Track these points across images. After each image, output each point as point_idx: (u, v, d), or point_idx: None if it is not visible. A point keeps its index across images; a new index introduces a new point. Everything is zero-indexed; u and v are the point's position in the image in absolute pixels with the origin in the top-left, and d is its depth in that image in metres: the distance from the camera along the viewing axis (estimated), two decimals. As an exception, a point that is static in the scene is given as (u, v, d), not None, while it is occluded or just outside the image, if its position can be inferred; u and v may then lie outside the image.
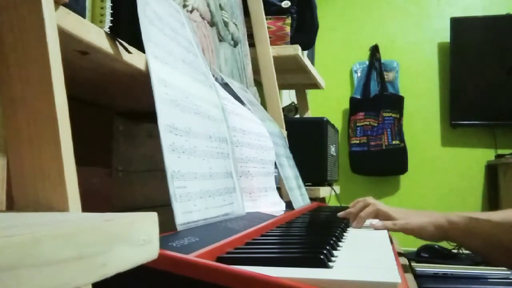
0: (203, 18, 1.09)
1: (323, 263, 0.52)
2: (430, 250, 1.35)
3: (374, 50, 3.30)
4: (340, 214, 1.08)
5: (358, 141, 3.22)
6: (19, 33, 0.39)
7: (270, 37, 1.69)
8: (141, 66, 0.65)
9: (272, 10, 1.75)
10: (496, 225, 0.90)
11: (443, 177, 3.19)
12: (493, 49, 3.06)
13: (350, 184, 3.21)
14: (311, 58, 2.25)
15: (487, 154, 3.14)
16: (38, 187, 0.38)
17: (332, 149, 1.98)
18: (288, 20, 1.76)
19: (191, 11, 1.02)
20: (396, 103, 3.19)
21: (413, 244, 1.42)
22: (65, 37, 0.49)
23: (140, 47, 0.66)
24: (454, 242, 0.99)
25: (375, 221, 1.02)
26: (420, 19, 3.31)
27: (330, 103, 3.29)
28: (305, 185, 1.47)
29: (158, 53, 0.71)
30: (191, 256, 0.48)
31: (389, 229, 0.97)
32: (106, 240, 0.28)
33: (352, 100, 3.29)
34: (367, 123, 3.21)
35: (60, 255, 0.24)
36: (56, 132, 0.38)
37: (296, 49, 1.76)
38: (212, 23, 1.16)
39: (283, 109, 2.24)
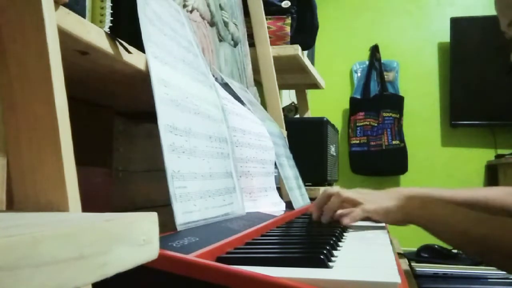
0: (203, 18, 1.09)
1: (323, 263, 0.52)
2: (430, 250, 1.35)
3: (374, 50, 3.30)
4: (313, 216, 1.03)
5: (358, 141, 3.22)
6: (19, 33, 0.39)
7: (270, 37, 1.69)
8: (141, 66, 0.65)
9: (272, 10, 1.75)
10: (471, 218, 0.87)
11: (443, 177, 3.19)
12: (493, 49, 3.06)
13: (350, 184, 3.20)
14: (311, 58, 2.25)
15: (487, 154, 3.14)
16: (38, 187, 0.38)
17: (332, 149, 1.98)
18: (288, 20, 1.76)
19: (191, 11, 1.02)
20: (396, 103, 3.19)
21: (413, 244, 1.42)
22: (65, 37, 0.49)
23: (140, 47, 0.66)
24: (422, 228, 0.96)
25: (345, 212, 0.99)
26: (420, 19, 3.31)
27: (330, 103, 3.29)
28: (305, 185, 1.47)
29: (158, 53, 0.71)
30: (191, 256, 0.48)
31: (357, 220, 0.95)
32: (106, 240, 0.28)
33: (352, 100, 3.29)
34: (367, 123, 3.21)
35: (60, 255, 0.24)
36: (56, 132, 0.38)
37: (296, 49, 1.76)
38: (212, 23, 1.16)
39: (283, 109, 2.24)
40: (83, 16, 0.55)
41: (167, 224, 0.57)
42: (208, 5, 1.14)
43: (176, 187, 0.63)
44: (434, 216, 0.89)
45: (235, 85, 1.18)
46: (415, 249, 1.39)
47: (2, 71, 0.39)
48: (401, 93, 3.24)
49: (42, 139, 0.38)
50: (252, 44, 1.62)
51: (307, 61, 1.98)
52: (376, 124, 3.19)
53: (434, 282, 1.06)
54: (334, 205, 0.99)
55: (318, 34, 1.97)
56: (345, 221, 0.94)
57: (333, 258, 0.57)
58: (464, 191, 1.09)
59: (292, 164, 1.38)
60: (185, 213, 0.63)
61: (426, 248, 1.36)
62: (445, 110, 3.22)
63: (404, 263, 1.12)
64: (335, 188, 1.04)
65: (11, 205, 0.40)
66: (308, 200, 1.42)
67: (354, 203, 0.98)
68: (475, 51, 3.12)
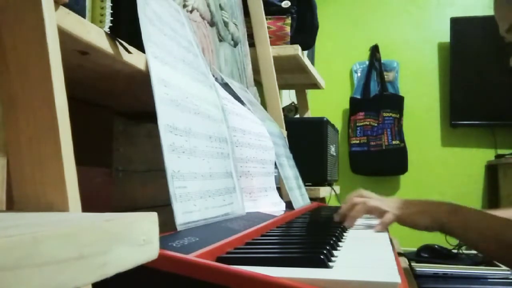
0: (203, 18, 1.09)
1: (323, 263, 0.52)
2: (430, 250, 1.34)
3: (374, 50, 3.30)
4: (336, 218, 1.06)
5: (358, 141, 3.22)
6: (19, 33, 0.39)
7: (270, 37, 1.69)
8: (141, 66, 0.65)
9: (272, 10, 1.75)
10: (495, 219, 0.88)
11: (443, 177, 3.19)
12: (493, 49, 3.06)
13: (350, 184, 3.20)
14: (311, 58, 2.25)
15: (487, 154, 3.14)
16: (38, 187, 0.38)
17: (332, 149, 1.98)
18: (288, 20, 1.76)
19: (191, 11, 1.02)
20: (396, 103, 3.19)
21: (413, 244, 1.42)
22: (65, 37, 0.49)
23: (140, 47, 0.66)
24: (450, 235, 0.96)
25: (372, 221, 1.01)
26: (420, 19, 3.31)
27: (330, 103, 3.29)
28: (305, 185, 1.47)
29: (158, 53, 0.71)
30: (191, 256, 0.48)
31: (388, 225, 0.94)
32: (106, 240, 0.28)
33: (352, 100, 3.29)
34: (367, 123, 3.21)
35: (60, 255, 0.24)
36: (56, 132, 0.38)
37: (296, 49, 1.76)
38: (212, 23, 1.16)
39: (283, 109, 2.24)
40: (83, 16, 0.55)
41: (167, 224, 0.57)
42: (208, 5, 1.14)
43: (176, 187, 0.63)
44: (466, 222, 0.88)
45: (235, 85, 1.18)
46: (415, 249, 1.39)
47: (2, 71, 0.39)
48: (401, 93, 3.24)
49: (42, 139, 0.38)
50: (252, 44, 1.62)
51: (307, 61, 1.98)
52: (376, 124, 3.19)
53: (434, 282, 1.06)
54: (359, 214, 0.99)
55: (318, 34, 1.97)
56: (377, 228, 0.94)
57: (333, 258, 0.57)
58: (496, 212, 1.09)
59: (292, 164, 1.38)
60: (185, 213, 0.63)
61: (426, 248, 1.36)
62: (445, 110, 3.22)
63: (404, 263, 1.12)
64: (361, 192, 1.05)
65: (11, 205, 0.40)
66: (308, 200, 1.42)
67: (380, 212, 0.97)
68: (475, 51, 3.12)
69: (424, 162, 3.22)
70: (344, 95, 3.34)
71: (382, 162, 3.16)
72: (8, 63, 0.39)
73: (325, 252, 0.55)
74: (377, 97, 3.22)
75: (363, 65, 3.34)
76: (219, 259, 0.54)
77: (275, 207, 1.11)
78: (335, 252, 0.62)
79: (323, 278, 0.46)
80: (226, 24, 1.27)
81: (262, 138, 1.12)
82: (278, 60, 1.72)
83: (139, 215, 0.33)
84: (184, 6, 0.98)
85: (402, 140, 3.15)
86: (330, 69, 3.28)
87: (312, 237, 0.79)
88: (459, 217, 0.89)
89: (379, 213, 0.98)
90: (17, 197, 0.39)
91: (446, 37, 3.20)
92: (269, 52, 1.66)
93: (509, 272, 1.08)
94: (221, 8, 1.25)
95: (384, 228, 0.94)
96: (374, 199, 1.02)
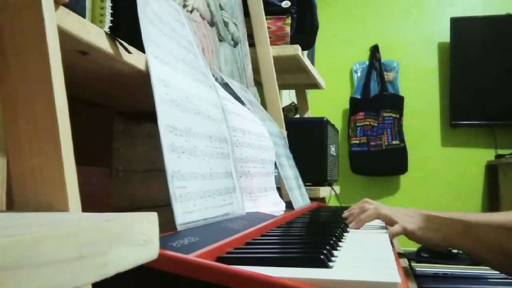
0: (203, 18, 1.09)
1: (323, 263, 0.52)
2: (430, 250, 1.34)
3: (374, 50, 3.30)
4: (344, 214, 1.07)
5: (358, 141, 3.22)
6: (19, 33, 0.39)
7: (270, 37, 1.69)
8: (141, 66, 0.65)
9: (272, 10, 1.75)
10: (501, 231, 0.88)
11: (443, 177, 3.19)
12: (493, 49, 3.06)
13: (350, 184, 3.21)
14: (311, 58, 2.25)
15: (487, 154, 3.14)
16: (38, 187, 0.38)
17: (332, 149, 1.98)
18: (288, 20, 1.76)
19: (191, 11, 1.02)
20: (396, 103, 3.19)
21: (413, 244, 1.42)
22: (65, 37, 0.49)
23: (140, 47, 0.66)
24: (462, 251, 0.95)
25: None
26: (420, 19, 3.31)
27: (330, 103, 3.29)
28: (305, 185, 1.47)
29: (158, 53, 0.71)
30: (191, 256, 0.48)
31: (395, 236, 0.94)
32: (106, 240, 0.28)
33: (352, 100, 3.29)
34: (367, 123, 3.21)
35: (60, 255, 0.24)
36: (56, 132, 0.38)
37: (296, 49, 1.76)
38: (212, 23, 1.16)
39: (283, 109, 2.24)
40: (83, 16, 0.55)
41: (167, 224, 0.57)
42: (208, 5, 1.14)
43: (176, 187, 0.63)
44: (477, 241, 0.88)
45: (235, 85, 1.18)
46: (415, 249, 1.39)
47: (2, 71, 0.39)
48: (401, 93, 3.24)
49: (42, 139, 0.38)
50: (252, 44, 1.62)
51: (307, 61, 1.98)
52: (376, 124, 3.19)
53: (434, 282, 1.06)
54: (369, 219, 1.00)
55: (318, 34, 1.97)
56: None
57: (333, 258, 0.57)
58: (499, 215, 1.09)
59: (292, 164, 1.38)
60: (185, 213, 0.63)
61: (426, 248, 1.36)
62: (445, 110, 3.22)
63: (404, 263, 1.12)
64: (371, 201, 1.06)
65: (11, 205, 0.40)
66: (308, 200, 1.42)
67: (390, 221, 0.97)
68: (475, 51, 3.12)
69: (424, 162, 3.22)
70: (344, 95, 3.34)
71: (382, 162, 3.16)
72: (8, 63, 0.39)
73: (325, 252, 0.55)
74: (377, 97, 3.22)
75: (363, 65, 3.34)
76: (219, 259, 0.54)
77: (275, 207, 1.11)
78: (335, 252, 0.62)
79: (323, 278, 0.46)
80: (226, 24, 1.27)
81: (262, 138, 1.12)
82: (278, 60, 1.72)
83: (139, 215, 0.33)
84: (184, 6, 0.98)
85: (402, 140, 3.15)
86: (330, 69, 3.28)
87: (312, 237, 0.79)
88: (471, 237, 0.88)
89: (388, 222, 0.98)
90: (17, 197, 0.39)
91: (446, 37, 3.20)
92: (269, 52, 1.66)
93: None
94: (221, 8, 1.25)
95: (391, 237, 0.92)
96: (386, 207, 1.02)
